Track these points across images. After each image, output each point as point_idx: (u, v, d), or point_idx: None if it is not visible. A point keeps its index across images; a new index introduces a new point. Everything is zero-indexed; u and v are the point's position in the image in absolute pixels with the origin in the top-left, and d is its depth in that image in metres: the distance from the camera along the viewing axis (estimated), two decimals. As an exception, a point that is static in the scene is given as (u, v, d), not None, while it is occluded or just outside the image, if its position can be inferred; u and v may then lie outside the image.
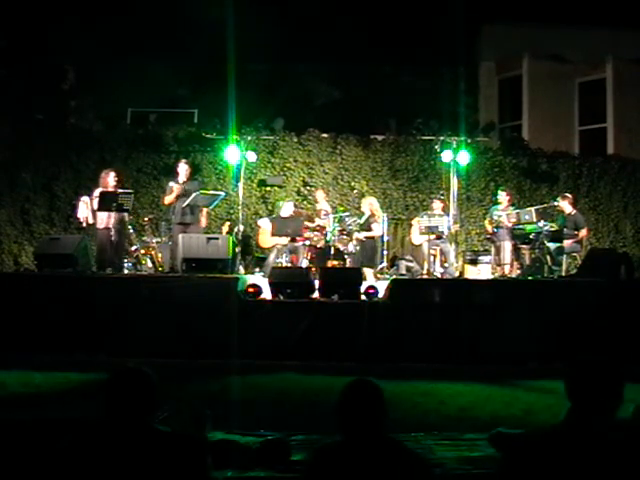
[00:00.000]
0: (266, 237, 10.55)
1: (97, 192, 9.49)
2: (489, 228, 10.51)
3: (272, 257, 10.14)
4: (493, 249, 10.47)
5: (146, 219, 11.29)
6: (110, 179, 9.67)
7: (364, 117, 13.92)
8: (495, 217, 10.31)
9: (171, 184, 9.80)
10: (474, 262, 10.35)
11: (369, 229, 10.35)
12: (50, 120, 13.11)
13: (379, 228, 10.48)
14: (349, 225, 10.34)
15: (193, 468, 2.40)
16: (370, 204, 10.62)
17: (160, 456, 2.35)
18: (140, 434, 2.38)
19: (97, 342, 7.84)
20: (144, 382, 2.45)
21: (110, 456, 2.34)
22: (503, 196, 10.62)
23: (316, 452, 2.51)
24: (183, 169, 9.92)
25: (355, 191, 11.89)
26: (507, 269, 10.25)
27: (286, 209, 10.54)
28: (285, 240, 10.14)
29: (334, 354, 7.74)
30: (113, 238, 9.43)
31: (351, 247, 10.20)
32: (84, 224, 9.78)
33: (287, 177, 12.11)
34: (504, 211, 10.33)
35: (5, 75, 13.52)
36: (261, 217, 11.68)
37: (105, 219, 9.49)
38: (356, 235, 10.22)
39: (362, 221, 10.36)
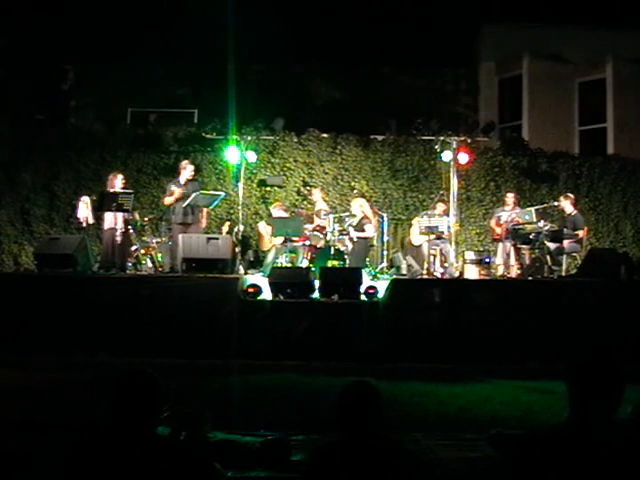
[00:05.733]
0: (266, 240, 10.57)
1: None
2: (497, 229, 10.51)
3: (271, 257, 10.13)
4: (501, 249, 10.47)
5: (146, 219, 11.30)
6: (118, 182, 9.68)
7: (364, 117, 13.91)
8: (506, 219, 10.31)
9: (172, 187, 9.78)
10: (474, 262, 10.34)
11: (362, 230, 10.35)
12: (50, 120, 13.11)
13: (371, 229, 10.49)
14: (348, 225, 10.35)
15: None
16: (360, 205, 10.65)
17: (165, 466, 2.34)
18: (144, 439, 2.37)
19: (97, 342, 7.85)
20: (150, 384, 2.45)
21: (113, 460, 2.33)
22: (511, 197, 10.65)
23: (315, 451, 2.52)
24: (189, 169, 9.90)
25: (355, 191, 11.88)
26: (507, 269, 10.27)
27: (275, 213, 10.59)
28: (281, 239, 10.12)
29: (334, 354, 7.74)
30: (119, 239, 9.43)
31: (351, 247, 10.19)
32: (84, 224, 9.78)
33: (287, 177, 12.11)
34: (512, 212, 10.36)
35: (5, 75, 13.52)
36: (261, 218, 11.68)
37: (112, 219, 9.49)
38: (350, 235, 10.23)
39: (355, 222, 10.36)
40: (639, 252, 12.12)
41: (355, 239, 10.23)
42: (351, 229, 10.26)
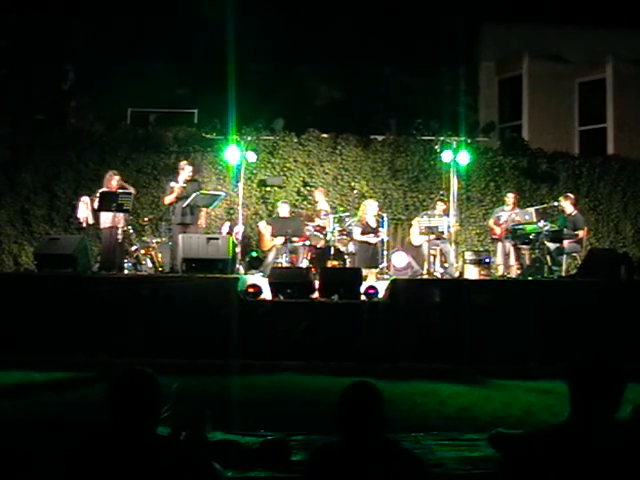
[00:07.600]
0: (267, 240, 10.57)
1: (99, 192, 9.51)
2: (496, 229, 10.51)
3: (271, 257, 10.13)
4: (500, 249, 10.47)
5: (146, 219, 11.29)
6: (114, 182, 9.67)
7: (364, 117, 13.93)
8: (505, 219, 10.30)
9: (172, 184, 9.79)
10: (474, 262, 10.34)
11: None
12: (50, 120, 13.10)
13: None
14: (349, 225, 10.34)
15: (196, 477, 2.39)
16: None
17: (165, 466, 2.34)
18: (144, 439, 2.37)
19: (97, 342, 7.84)
20: (149, 383, 2.45)
21: (113, 460, 2.33)
22: (511, 197, 10.64)
23: (315, 451, 2.52)
24: (188, 170, 9.91)
25: (355, 191, 11.88)
26: (507, 269, 10.27)
27: (283, 209, 10.58)
28: (282, 239, 10.12)
29: (334, 354, 7.74)
30: (119, 238, 9.42)
31: (351, 247, 10.19)
32: (84, 224, 9.78)
33: (287, 177, 12.11)
34: (511, 212, 10.36)
35: (5, 75, 13.52)
36: (261, 218, 11.68)
37: (111, 218, 9.48)
38: (379, 233, 10.28)
39: (375, 223, 10.42)
40: (639, 252, 12.12)
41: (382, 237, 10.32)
42: (381, 229, 10.31)
